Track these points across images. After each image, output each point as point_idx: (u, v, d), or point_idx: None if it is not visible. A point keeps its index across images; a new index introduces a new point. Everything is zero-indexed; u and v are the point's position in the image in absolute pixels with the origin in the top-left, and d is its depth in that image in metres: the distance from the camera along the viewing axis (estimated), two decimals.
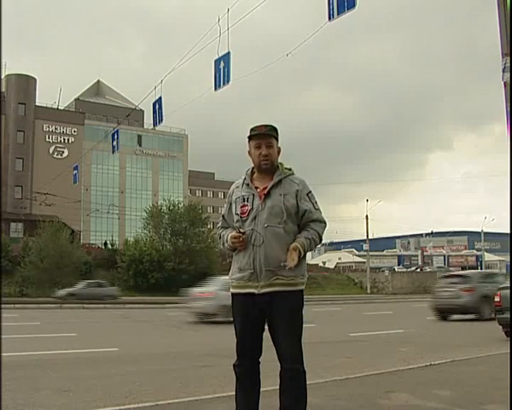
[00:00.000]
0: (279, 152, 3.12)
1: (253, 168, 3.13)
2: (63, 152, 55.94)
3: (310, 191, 3.09)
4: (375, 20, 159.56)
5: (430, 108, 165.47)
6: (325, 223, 3.10)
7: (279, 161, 3.12)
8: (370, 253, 55.20)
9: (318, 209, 3.08)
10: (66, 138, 57.00)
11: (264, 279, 2.91)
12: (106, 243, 40.84)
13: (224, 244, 3.14)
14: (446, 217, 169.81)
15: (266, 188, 3.00)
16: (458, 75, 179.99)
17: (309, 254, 3.17)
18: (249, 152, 3.11)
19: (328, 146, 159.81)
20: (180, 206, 39.80)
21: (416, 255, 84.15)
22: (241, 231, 2.95)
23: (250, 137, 3.07)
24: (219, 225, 3.25)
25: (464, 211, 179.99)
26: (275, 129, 3.08)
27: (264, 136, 3.02)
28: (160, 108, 12.16)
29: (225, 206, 3.21)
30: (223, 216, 3.22)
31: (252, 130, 3.06)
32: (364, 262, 57.28)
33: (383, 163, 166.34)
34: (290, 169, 3.12)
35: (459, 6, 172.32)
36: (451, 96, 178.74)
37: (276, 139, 3.09)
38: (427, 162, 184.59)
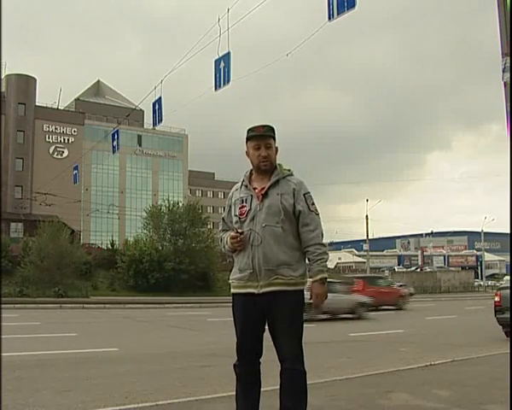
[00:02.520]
0: (277, 151, 3.12)
1: (251, 170, 3.13)
2: (63, 152, 55.89)
3: (307, 192, 3.06)
4: (374, 19, 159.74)
5: (429, 108, 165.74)
6: (320, 226, 3.05)
7: (279, 161, 3.13)
8: (370, 253, 55.19)
9: (313, 211, 3.04)
10: (66, 138, 56.95)
11: (264, 279, 2.91)
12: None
13: (224, 246, 3.14)
14: (446, 217, 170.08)
15: (264, 188, 3.01)
16: (456, 75, 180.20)
17: None
18: (247, 153, 3.11)
19: (328, 146, 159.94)
20: (180, 205, 39.78)
21: (416, 255, 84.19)
22: (239, 231, 2.95)
23: (248, 139, 3.06)
24: (220, 228, 3.25)
25: (464, 211, 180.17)
26: (272, 129, 3.07)
27: (262, 137, 3.02)
28: (160, 108, 12.16)
29: (225, 209, 3.22)
30: (223, 219, 3.23)
31: (250, 131, 3.05)
32: (364, 262, 57.27)
33: (382, 163, 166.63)
34: (289, 170, 3.12)
35: (458, 6, 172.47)
36: (450, 96, 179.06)
37: (274, 139, 3.09)
38: (425, 162, 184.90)
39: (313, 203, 3.06)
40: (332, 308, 17.11)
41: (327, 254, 3.06)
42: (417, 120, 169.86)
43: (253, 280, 2.94)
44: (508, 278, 65.15)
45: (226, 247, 3.09)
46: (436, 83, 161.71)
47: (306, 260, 3.06)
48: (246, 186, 3.08)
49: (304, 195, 3.04)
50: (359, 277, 27.70)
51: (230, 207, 3.15)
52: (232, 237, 2.97)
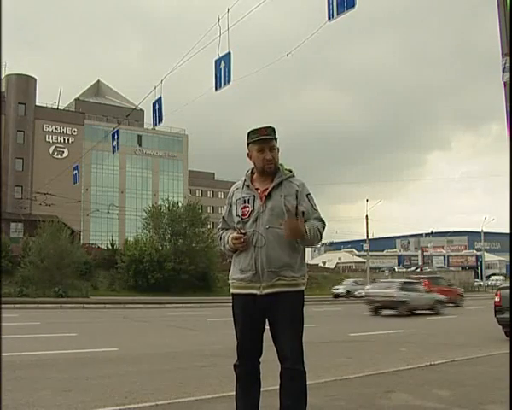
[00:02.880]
0: (278, 152, 3.11)
1: (252, 169, 3.12)
2: (63, 152, 55.90)
3: (309, 193, 3.09)
4: (373, 19, 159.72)
5: (429, 108, 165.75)
6: (324, 222, 3.10)
7: (280, 161, 3.12)
8: (370, 253, 55.18)
9: (317, 211, 3.09)
10: (66, 138, 56.96)
11: (266, 280, 2.91)
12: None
13: (224, 246, 3.13)
14: (446, 217, 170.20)
15: (267, 189, 3.00)
16: (456, 75, 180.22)
17: (309, 254, 3.13)
18: (249, 155, 3.09)
19: (328, 146, 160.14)
20: (180, 205, 39.79)
21: (416, 255, 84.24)
22: (243, 232, 2.94)
23: (251, 141, 3.04)
24: (219, 226, 3.24)
25: (464, 211, 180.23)
26: (274, 130, 3.07)
27: (266, 140, 3.01)
28: (160, 108, 12.15)
29: (225, 207, 3.21)
30: (223, 218, 3.22)
31: (252, 133, 3.03)
32: (364, 262, 57.26)
33: (382, 163, 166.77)
34: (291, 171, 3.12)
35: (457, 5, 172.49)
36: (449, 96, 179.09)
37: (276, 140, 3.08)
38: (425, 162, 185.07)
39: (315, 204, 3.10)
40: (415, 305, 19.86)
41: (320, 234, 3.03)
42: (417, 120, 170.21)
43: (256, 281, 2.93)
44: (495, 277, 65.59)
45: (227, 246, 3.08)
46: (436, 83, 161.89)
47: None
48: (248, 186, 3.07)
49: (307, 196, 3.06)
50: (424, 277, 29.68)
51: (231, 206, 3.14)
52: (235, 238, 2.97)
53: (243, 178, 3.12)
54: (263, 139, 3.00)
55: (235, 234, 2.99)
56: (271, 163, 3.02)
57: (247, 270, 2.96)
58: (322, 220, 3.09)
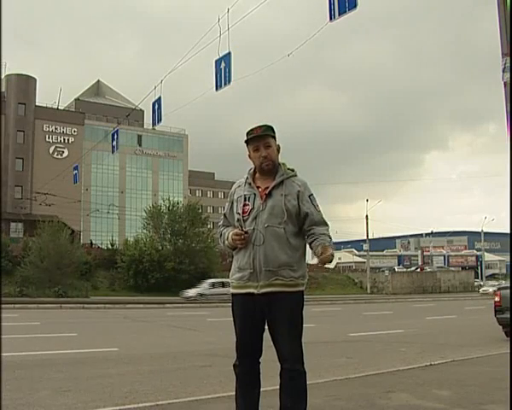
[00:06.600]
0: (279, 150, 3.11)
1: (255, 168, 3.12)
2: (63, 152, 55.91)
3: (311, 194, 3.07)
4: (371, 19, 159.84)
5: (426, 108, 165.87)
6: (328, 224, 3.08)
7: (282, 161, 3.12)
8: (370, 253, 55.20)
9: (320, 212, 3.06)
10: (66, 138, 56.97)
11: (264, 279, 2.90)
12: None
13: (224, 242, 3.13)
14: (445, 217, 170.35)
15: (268, 188, 2.99)
16: (454, 75, 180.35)
17: (309, 254, 3.16)
18: (249, 156, 3.10)
19: (326, 146, 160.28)
20: (180, 206, 39.83)
21: (416, 255, 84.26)
22: (244, 229, 2.94)
23: (247, 142, 3.06)
24: (220, 223, 3.24)
25: (463, 211, 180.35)
26: (271, 128, 3.06)
27: (261, 137, 3.01)
28: (160, 107, 12.17)
29: (227, 204, 3.21)
30: (224, 215, 3.22)
31: (248, 133, 3.04)
32: (364, 262, 57.30)
33: (381, 163, 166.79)
34: (293, 170, 3.11)
35: (455, 5, 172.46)
36: (447, 96, 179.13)
37: (274, 138, 3.08)
38: (423, 162, 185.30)
39: (318, 205, 3.08)
40: None
41: (333, 248, 3.04)
42: (415, 120, 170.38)
43: (253, 280, 2.93)
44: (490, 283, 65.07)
45: (226, 243, 3.08)
46: (434, 83, 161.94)
47: (311, 241, 3.03)
48: (249, 184, 3.07)
49: (309, 196, 3.04)
50: None
51: (232, 203, 3.14)
52: (236, 234, 2.96)
53: (245, 176, 3.12)
54: (257, 137, 3.01)
55: (236, 230, 2.98)
56: (268, 160, 3.01)
57: (244, 268, 2.95)
58: (325, 223, 3.06)
